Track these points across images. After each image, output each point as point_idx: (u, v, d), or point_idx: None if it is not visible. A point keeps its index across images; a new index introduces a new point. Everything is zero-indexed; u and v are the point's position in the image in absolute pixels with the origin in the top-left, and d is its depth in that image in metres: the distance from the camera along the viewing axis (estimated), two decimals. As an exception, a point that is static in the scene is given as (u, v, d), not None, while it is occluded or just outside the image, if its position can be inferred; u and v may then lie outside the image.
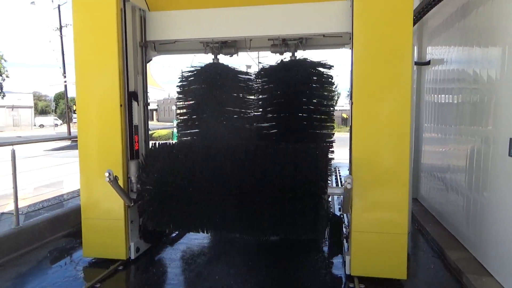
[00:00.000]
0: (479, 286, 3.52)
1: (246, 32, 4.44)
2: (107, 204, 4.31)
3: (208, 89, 4.66)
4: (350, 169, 3.96)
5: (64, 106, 60.48)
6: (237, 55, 4.81)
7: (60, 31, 21.83)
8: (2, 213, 5.91)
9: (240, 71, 4.85)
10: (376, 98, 3.73)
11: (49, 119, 52.90)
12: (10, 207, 6.20)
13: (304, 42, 4.56)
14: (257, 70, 4.81)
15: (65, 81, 21.82)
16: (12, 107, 47.22)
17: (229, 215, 3.92)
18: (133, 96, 4.38)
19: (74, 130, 29.17)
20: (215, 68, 4.75)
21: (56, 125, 41.86)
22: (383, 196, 3.75)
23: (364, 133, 3.76)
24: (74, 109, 36.66)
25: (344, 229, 4.21)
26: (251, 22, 4.34)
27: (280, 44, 4.54)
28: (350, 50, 4.11)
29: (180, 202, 4.00)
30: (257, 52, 5.65)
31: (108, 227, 4.31)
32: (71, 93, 23.94)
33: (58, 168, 7.46)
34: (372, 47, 3.72)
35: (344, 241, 4.21)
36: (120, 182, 4.19)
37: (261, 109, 4.76)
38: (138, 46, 4.55)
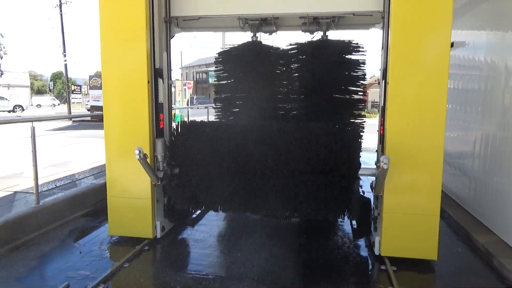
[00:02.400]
0: (512, 268, 3.52)
1: (274, 9, 4.31)
2: (133, 182, 4.25)
3: (247, 68, 4.52)
4: (381, 150, 3.90)
5: (61, 86, 59.89)
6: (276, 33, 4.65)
7: (60, 8, 21.35)
8: (16, 192, 5.84)
9: (279, 49, 4.68)
10: (413, 79, 3.65)
11: (46, 99, 52.31)
12: (22, 186, 6.15)
13: (336, 21, 4.43)
14: (289, 48, 4.65)
15: (65, 60, 21.46)
16: (8, 86, 46.57)
17: (262, 195, 3.88)
18: (158, 73, 4.28)
19: (74, 110, 28.90)
20: (255, 47, 4.59)
21: (54, 105, 41.39)
22: (416, 177, 3.71)
23: (400, 114, 3.69)
24: (73, 89, 36.21)
25: (372, 210, 4.17)
26: None
27: (311, 23, 4.41)
28: (382, 30, 4.03)
29: (214, 182, 3.95)
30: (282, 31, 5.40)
31: (135, 206, 4.26)
32: (72, 73, 23.58)
33: (64, 148, 7.36)
34: (410, 25, 3.61)
35: (372, 222, 4.19)
36: (147, 161, 4.13)
37: (294, 89, 4.65)
38: (163, 21, 4.41)
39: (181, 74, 57.82)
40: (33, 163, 4.48)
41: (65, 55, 21.73)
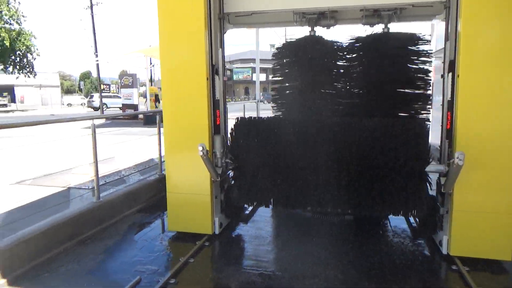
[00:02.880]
0: None
1: (332, 3, 4.23)
2: (192, 178, 4.27)
3: (307, 63, 4.46)
4: (448, 146, 3.77)
5: (89, 86, 61.50)
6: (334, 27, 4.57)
7: (91, 9, 21.83)
8: (69, 188, 6.00)
9: (339, 43, 4.60)
10: (488, 70, 3.50)
11: (76, 98, 53.78)
12: (74, 182, 6.31)
13: (398, 13, 4.30)
14: (349, 42, 4.55)
15: (97, 60, 21.91)
16: (40, 86, 48.09)
17: (331, 192, 3.83)
18: (215, 69, 4.29)
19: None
20: (314, 41, 4.53)
21: (84, 104, 42.49)
22: (491, 174, 3.56)
23: (473, 108, 3.55)
24: (103, 88, 36.98)
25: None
26: None
27: (372, 15, 4.30)
28: (446, 20, 3.90)
29: (278, 178, 3.93)
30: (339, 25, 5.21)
31: (194, 202, 4.28)
32: (103, 73, 24.00)
33: (104, 145, 7.50)
34: (483, 14, 3.46)
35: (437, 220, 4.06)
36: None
37: (352, 83, 4.55)
38: (217, 18, 4.41)
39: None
40: (94, 159, 4.56)
41: (97, 55, 22.20)
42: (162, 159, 6.08)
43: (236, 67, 61.63)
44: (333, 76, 4.48)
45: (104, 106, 26.83)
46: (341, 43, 4.53)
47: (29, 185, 6.35)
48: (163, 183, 5.90)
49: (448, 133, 3.80)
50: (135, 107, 20.75)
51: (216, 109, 4.35)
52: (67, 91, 67.84)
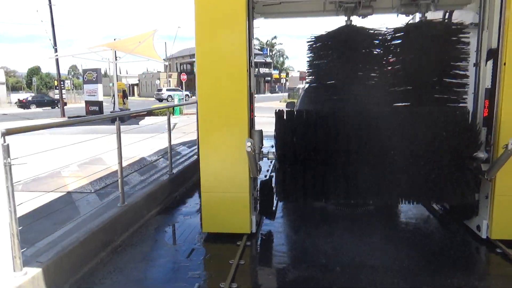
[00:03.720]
0: None
1: None
2: (231, 177, 4.09)
3: (345, 53, 4.37)
4: (487, 134, 3.88)
5: (39, 82, 57.75)
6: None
7: (50, 1, 20.33)
8: (68, 192, 5.55)
9: (376, 31, 4.53)
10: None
11: (25, 96, 50.31)
12: (71, 185, 5.84)
13: (436, 1, 4.31)
14: (387, 32, 4.50)
15: (56, 55, 20.55)
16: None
17: (383, 182, 3.81)
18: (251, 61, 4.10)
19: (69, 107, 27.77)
20: (352, 31, 4.43)
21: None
22: None
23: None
24: (55, 85, 34.77)
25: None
26: None
27: (409, 4, 4.30)
28: (481, 10, 3.97)
29: (329, 172, 3.84)
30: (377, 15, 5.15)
31: (232, 201, 4.11)
32: (47, 68, 22.45)
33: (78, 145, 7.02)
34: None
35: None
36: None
37: (393, 74, 4.54)
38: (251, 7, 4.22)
39: (165, 65, 56.78)
40: (119, 160, 4.24)
41: (56, 49, 20.83)
42: (171, 159, 5.82)
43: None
44: (374, 66, 4.44)
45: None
46: (381, 31, 4.48)
47: (21, 191, 5.81)
48: (174, 183, 5.71)
49: (485, 121, 3.90)
50: (100, 104, 19.69)
51: (251, 103, 4.18)
52: (13, 88, 63.40)
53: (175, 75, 62.56)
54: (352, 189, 3.87)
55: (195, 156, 7.21)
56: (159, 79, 57.99)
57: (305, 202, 4.50)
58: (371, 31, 4.46)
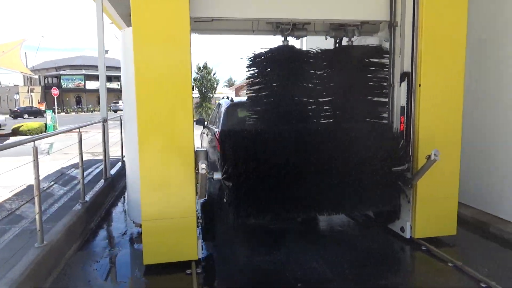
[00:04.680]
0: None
1: (288, 15, 4.36)
2: (176, 201, 3.79)
3: (282, 72, 4.43)
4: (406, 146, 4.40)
5: None
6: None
7: None
8: None
9: (310, 52, 4.71)
10: (442, 80, 4.25)
11: None
12: None
13: (360, 28, 4.74)
14: (315, 53, 4.75)
15: None
16: None
17: (316, 195, 3.96)
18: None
19: None
20: (288, 51, 4.54)
21: None
22: (438, 167, 4.18)
23: (431, 113, 4.25)
24: None
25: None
26: (292, 3, 4.29)
27: (338, 29, 4.65)
28: (394, 36, 4.52)
29: (280, 188, 3.84)
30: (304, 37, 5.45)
31: (178, 226, 3.81)
32: None
33: None
34: (436, 32, 4.18)
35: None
36: (192, 173, 3.77)
37: (322, 92, 4.77)
38: None
39: (25, 78, 50.29)
40: (36, 192, 3.56)
41: None
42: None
43: (65, 74, 55.16)
44: (308, 84, 4.64)
45: None
46: (312, 52, 4.73)
47: None
48: (90, 212, 5.07)
49: (403, 134, 4.44)
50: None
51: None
52: None
53: (38, 89, 55.93)
54: (292, 203, 3.96)
55: (102, 180, 6.50)
56: (17, 93, 50.91)
57: (259, 219, 4.43)
58: (305, 51, 4.70)
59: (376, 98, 4.69)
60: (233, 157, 3.80)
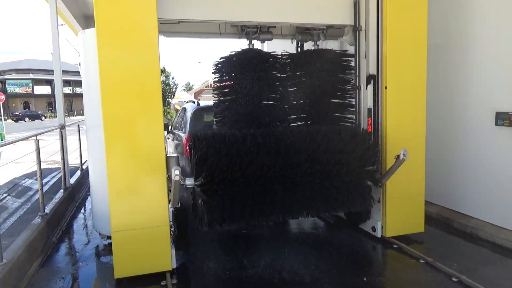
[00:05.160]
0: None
1: (254, 18, 4.34)
2: (147, 210, 3.63)
3: (248, 75, 4.37)
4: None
5: None
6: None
7: None
8: None
9: (276, 55, 4.69)
10: (406, 83, 4.38)
11: None
12: None
13: (325, 32, 4.80)
14: (284, 57, 4.75)
15: None
16: None
17: (288, 199, 3.94)
18: None
19: None
20: (254, 54, 4.50)
21: None
22: (404, 166, 4.34)
23: (397, 115, 4.36)
24: None
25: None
26: (259, 6, 4.28)
27: (304, 32, 4.67)
28: (359, 41, 4.62)
29: (245, 194, 3.76)
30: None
31: (150, 236, 3.65)
32: None
33: None
34: (399, 37, 4.31)
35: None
36: (164, 180, 3.63)
37: (291, 95, 4.77)
38: None
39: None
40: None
41: None
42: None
43: (10, 78, 51.97)
44: (275, 87, 4.62)
45: None
46: (279, 56, 4.72)
47: None
48: (51, 225, 4.77)
49: (370, 135, 4.53)
50: None
51: None
52: None
53: (-21, 94, 52.23)
54: (264, 207, 3.92)
55: (61, 190, 6.12)
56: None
57: (232, 225, 4.31)
58: (271, 55, 4.69)
59: (341, 101, 4.77)
60: (205, 162, 3.69)
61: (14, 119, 43.75)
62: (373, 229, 4.64)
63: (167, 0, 3.91)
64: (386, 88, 4.35)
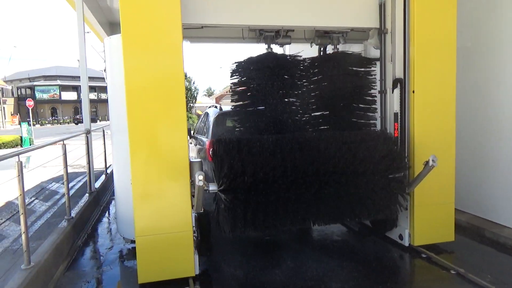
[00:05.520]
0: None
1: (278, 21, 4.30)
2: (171, 215, 3.63)
3: (269, 79, 4.35)
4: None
5: None
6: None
7: None
8: None
9: (297, 60, 4.66)
10: (435, 87, 4.24)
11: None
12: None
13: (345, 35, 4.74)
14: (306, 60, 4.72)
15: None
16: None
17: (319, 205, 3.85)
18: None
19: None
20: (273, 58, 4.48)
21: None
22: (435, 172, 4.20)
23: (426, 119, 4.23)
24: None
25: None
26: (282, 10, 4.25)
27: (323, 36, 4.62)
28: (385, 44, 4.52)
29: (272, 200, 3.70)
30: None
31: (173, 242, 3.64)
32: None
33: None
34: (429, 40, 4.19)
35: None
36: (187, 185, 3.62)
37: (311, 100, 4.74)
38: None
39: (-3, 90, 48.70)
40: (21, 210, 3.31)
41: None
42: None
43: (39, 85, 53.75)
44: (293, 92, 4.58)
45: None
46: (299, 60, 4.68)
47: None
48: (76, 228, 4.84)
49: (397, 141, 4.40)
50: None
51: None
52: None
53: (11, 100, 54.21)
54: (289, 213, 3.84)
55: (86, 194, 6.22)
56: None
57: (256, 231, 4.26)
58: (292, 59, 4.64)
59: (365, 105, 4.67)
60: (230, 168, 3.65)
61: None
62: (400, 237, 4.49)
63: (191, 6, 3.92)
64: (413, 92, 4.22)
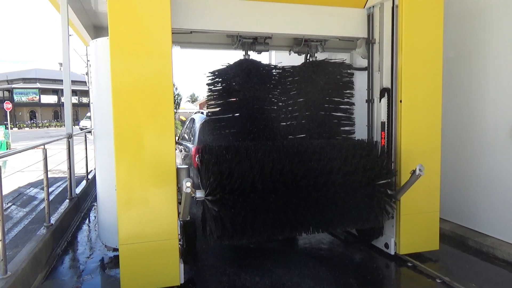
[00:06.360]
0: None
1: (267, 29, 4.33)
2: (157, 222, 3.54)
3: (245, 86, 4.35)
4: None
5: None
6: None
7: None
8: None
9: (274, 66, 4.68)
10: (421, 97, 4.28)
11: None
12: None
13: (323, 44, 4.78)
14: (281, 69, 4.77)
15: None
16: None
17: (304, 214, 3.82)
18: None
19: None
20: (250, 64, 4.46)
21: None
22: (421, 181, 4.23)
23: (413, 128, 4.26)
24: None
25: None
26: (271, 18, 4.28)
27: (302, 44, 4.67)
28: (372, 53, 4.59)
29: (258, 208, 3.65)
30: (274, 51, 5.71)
31: (158, 250, 3.55)
32: None
33: None
34: (416, 51, 4.23)
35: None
36: (174, 192, 3.55)
37: (288, 108, 4.75)
38: None
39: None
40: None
41: None
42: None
43: (18, 87, 52.44)
44: (269, 100, 4.60)
45: None
46: (276, 68, 4.72)
47: None
48: (56, 236, 4.68)
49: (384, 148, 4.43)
50: None
51: None
52: None
53: (-14, 103, 52.65)
54: (276, 222, 3.80)
55: (66, 200, 6.03)
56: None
57: (242, 240, 4.19)
58: (270, 66, 4.68)
59: (344, 114, 4.73)
60: (215, 175, 3.59)
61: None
62: (386, 246, 4.49)
63: (181, 10, 3.90)
64: (401, 101, 4.26)
